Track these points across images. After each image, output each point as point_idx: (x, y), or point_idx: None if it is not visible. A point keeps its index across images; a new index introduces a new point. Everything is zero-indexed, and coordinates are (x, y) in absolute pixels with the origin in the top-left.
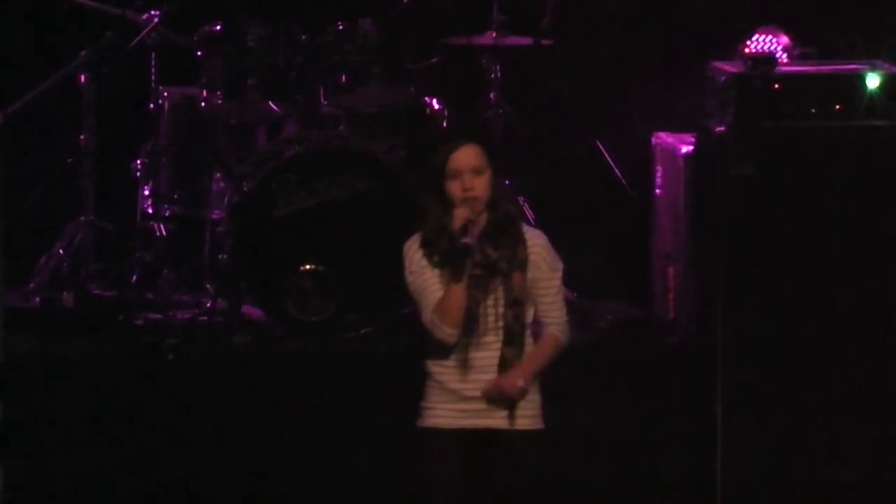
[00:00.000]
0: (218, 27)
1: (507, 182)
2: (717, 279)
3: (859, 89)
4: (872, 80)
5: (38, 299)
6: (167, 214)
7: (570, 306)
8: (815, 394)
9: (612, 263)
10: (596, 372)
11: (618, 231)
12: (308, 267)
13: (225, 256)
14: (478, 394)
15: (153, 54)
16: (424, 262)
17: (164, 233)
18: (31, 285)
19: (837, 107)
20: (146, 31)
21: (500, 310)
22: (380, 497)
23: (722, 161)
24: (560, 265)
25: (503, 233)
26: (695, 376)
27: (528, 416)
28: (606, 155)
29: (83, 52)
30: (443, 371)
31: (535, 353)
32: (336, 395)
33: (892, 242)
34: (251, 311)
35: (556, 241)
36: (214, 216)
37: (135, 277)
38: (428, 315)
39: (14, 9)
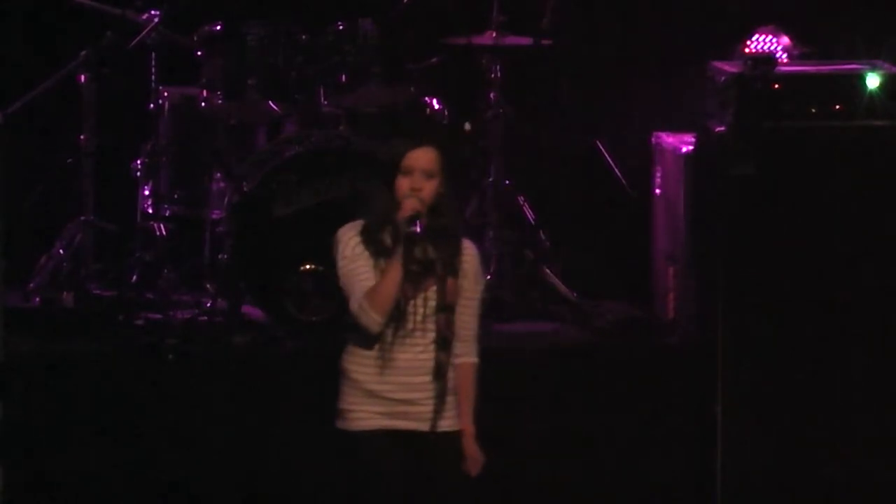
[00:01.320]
0: (218, 27)
1: (501, 181)
2: (717, 279)
3: (859, 89)
4: (872, 80)
5: (38, 299)
6: (167, 214)
7: (571, 306)
8: (815, 394)
9: (612, 263)
10: (596, 372)
11: (618, 231)
12: (308, 267)
13: (225, 256)
14: (397, 395)
15: (153, 54)
16: (360, 249)
17: (164, 233)
18: (31, 285)
19: (837, 107)
20: (146, 31)
21: (428, 310)
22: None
23: (722, 161)
24: (483, 280)
25: (444, 238)
26: (695, 376)
27: (449, 418)
28: (606, 155)
29: (83, 52)
30: (360, 370)
31: (468, 396)
32: (336, 396)
33: (892, 242)
34: (251, 311)
35: (556, 241)
36: (214, 216)
37: (135, 277)
38: (356, 301)
39: (14, 9)
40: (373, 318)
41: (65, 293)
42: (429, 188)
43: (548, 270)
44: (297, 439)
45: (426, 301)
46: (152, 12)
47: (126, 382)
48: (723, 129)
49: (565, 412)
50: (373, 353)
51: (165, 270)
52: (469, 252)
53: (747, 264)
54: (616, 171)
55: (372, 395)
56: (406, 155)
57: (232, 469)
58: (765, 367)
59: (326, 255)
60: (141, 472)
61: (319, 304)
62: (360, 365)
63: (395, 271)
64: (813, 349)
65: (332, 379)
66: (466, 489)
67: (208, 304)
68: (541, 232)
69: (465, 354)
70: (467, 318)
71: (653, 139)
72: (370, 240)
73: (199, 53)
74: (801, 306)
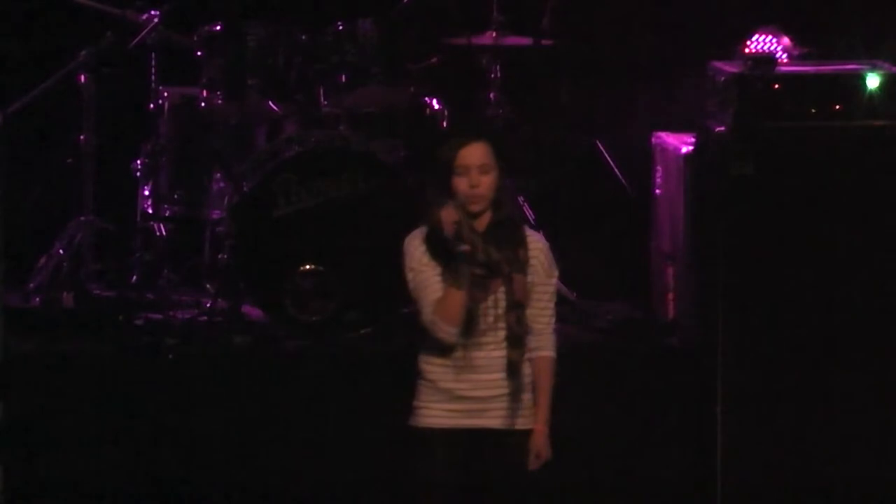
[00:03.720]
0: (218, 27)
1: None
2: (717, 279)
3: (859, 89)
4: (872, 80)
5: (38, 299)
6: (167, 214)
7: (570, 306)
8: (815, 394)
9: (612, 263)
10: (596, 372)
11: (618, 231)
12: (308, 267)
13: (225, 256)
14: (472, 393)
15: (153, 54)
16: (426, 258)
17: (164, 233)
18: (31, 285)
19: (837, 107)
20: (146, 31)
21: (500, 311)
22: (379, 497)
23: (722, 161)
24: (556, 271)
25: (506, 234)
26: (695, 376)
27: (525, 416)
28: (606, 155)
29: (83, 52)
30: (435, 370)
31: (543, 392)
32: (336, 395)
33: (892, 242)
34: (251, 311)
35: (556, 241)
36: (214, 216)
37: (135, 277)
38: (428, 314)
39: (14, 9)
40: (446, 331)
41: (65, 293)
42: (487, 183)
43: None
44: (297, 439)
45: (497, 302)
46: (152, 12)
47: (126, 382)
48: (723, 129)
49: (565, 412)
50: (447, 355)
51: (165, 270)
52: (536, 244)
53: (747, 264)
54: (616, 171)
55: (447, 393)
56: (458, 154)
57: (232, 469)
58: (765, 367)
59: (326, 255)
60: (141, 472)
61: (319, 304)
62: (435, 366)
63: (460, 284)
64: (813, 349)
65: (332, 379)
66: (530, 490)
67: (208, 304)
68: (541, 232)
69: (541, 348)
70: (540, 312)
71: (653, 139)
72: (434, 249)
73: (199, 53)
74: (801, 306)
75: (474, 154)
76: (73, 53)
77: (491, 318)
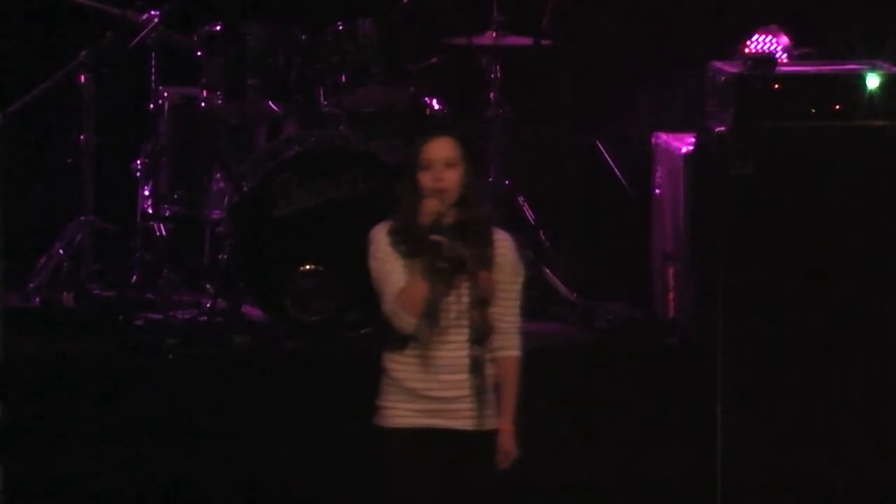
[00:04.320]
0: (218, 27)
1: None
2: (717, 279)
3: (859, 89)
4: (872, 80)
5: (38, 299)
6: (167, 214)
7: (570, 306)
8: (815, 393)
9: (612, 263)
10: (596, 372)
11: (618, 231)
12: (308, 267)
13: (225, 256)
14: (436, 393)
15: (153, 54)
16: (390, 249)
17: (164, 233)
18: (31, 285)
19: (837, 107)
20: (146, 31)
21: (463, 306)
22: (379, 497)
23: (722, 161)
24: (523, 272)
25: (474, 231)
26: (695, 376)
27: (490, 416)
28: (606, 155)
29: (83, 52)
30: (401, 368)
31: (508, 392)
32: (336, 395)
33: (892, 242)
34: (251, 311)
35: (557, 241)
36: (214, 216)
37: (135, 277)
38: (389, 303)
39: (14, 9)
40: (405, 321)
41: (65, 293)
42: (451, 178)
43: (548, 270)
44: (297, 439)
45: (460, 298)
46: (152, 12)
47: (126, 382)
48: (723, 129)
49: (566, 412)
50: (412, 352)
51: (165, 270)
52: (503, 243)
53: (747, 264)
54: (616, 171)
55: (413, 393)
56: (423, 149)
57: (232, 469)
58: (765, 367)
59: (326, 255)
60: (141, 472)
61: (319, 304)
62: (400, 364)
63: (423, 272)
64: (813, 349)
65: (332, 379)
66: (493, 488)
67: (208, 304)
68: (541, 232)
69: (506, 348)
70: (505, 311)
71: (653, 139)
72: (400, 240)
73: (199, 53)
74: (801, 306)
75: (439, 149)
76: (73, 53)
77: (454, 315)
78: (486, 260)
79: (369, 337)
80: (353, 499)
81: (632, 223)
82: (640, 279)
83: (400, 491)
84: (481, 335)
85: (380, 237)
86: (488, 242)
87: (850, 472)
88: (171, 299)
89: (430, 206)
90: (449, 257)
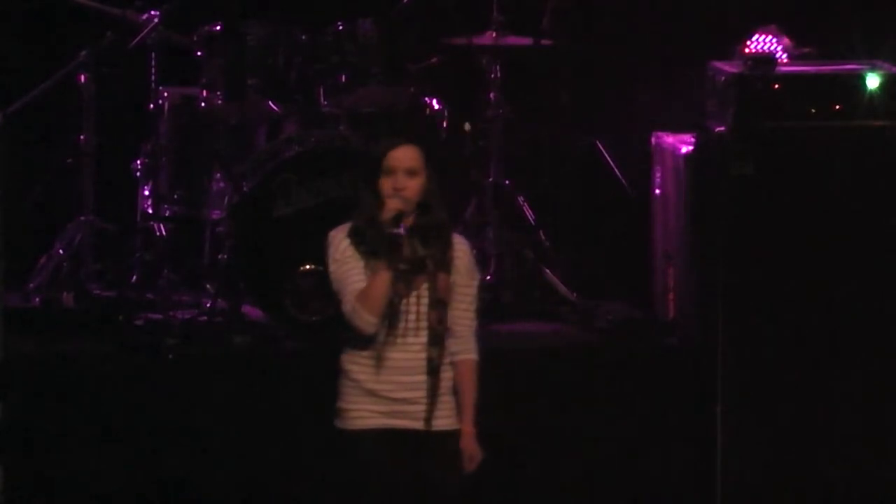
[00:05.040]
0: (218, 27)
1: (501, 182)
2: (717, 279)
3: (859, 89)
4: (872, 80)
5: (38, 299)
6: (167, 214)
7: (571, 306)
8: (815, 393)
9: (612, 263)
10: (596, 372)
11: (618, 231)
12: (308, 267)
13: (225, 256)
14: (394, 394)
15: (153, 54)
16: (350, 251)
17: (164, 233)
18: (31, 285)
19: (837, 107)
20: (146, 31)
21: (423, 308)
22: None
23: (722, 161)
24: (478, 275)
25: (434, 234)
26: (695, 376)
27: (444, 417)
28: (606, 155)
29: (83, 52)
30: (359, 370)
31: (468, 394)
32: (336, 395)
33: (892, 242)
34: (251, 311)
35: (557, 241)
36: (214, 216)
37: (135, 277)
38: (350, 303)
39: (14, 9)
40: (366, 320)
41: (65, 293)
42: (412, 186)
43: (548, 270)
44: (297, 439)
45: (419, 299)
46: (152, 12)
47: (126, 382)
48: (723, 129)
49: (565, 412)
50: (370, 352)
51: (165, 270)
52: (460, 247)
53: (747, 264)
54: (616, 171)
55: (371, 394)
56: (387, 155)
57: (232, 469)
58: (765, 367)
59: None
60: (141, 472)
61: (319, 304)
62: (358, 365)
63: (384, 272)
64: (813, 349)
65: (332, 379)
66: (459, 489)
67: (208, 304)
68: (541, 232)
69: (464, 352)
70: (462, 314)
71: (653, 139)
72: (360, 241)
73: (199, 53)
74: (801, 306)
75: (402, 157)
76: (73, 53)
77: (413, 316)
78: (444, 262)
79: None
80: (352, 499)
81: (632, 223)
82: (640, 279)
83: (370, 492)
84: (437, 337)
85: (339, 239)
86: (447, 246)
87: (850, 472)
88: (171, 299)
89: (393, 205)
90: (408, 258)
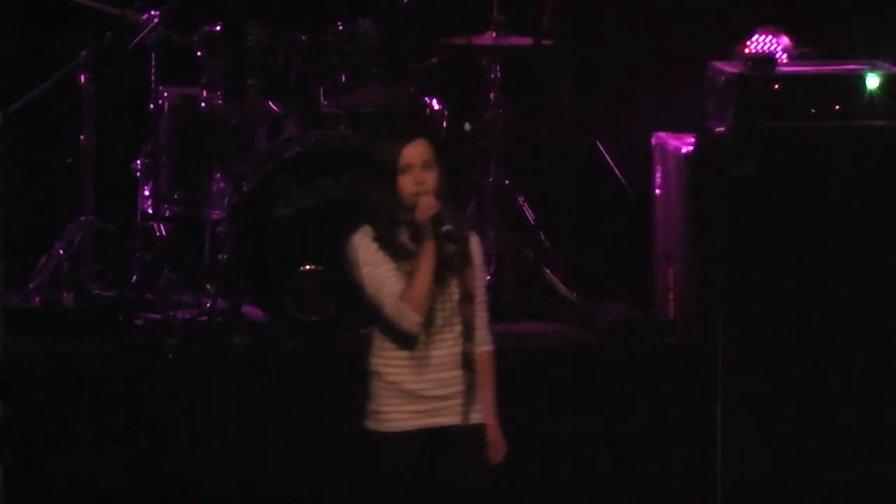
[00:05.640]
0: (218, 27)
1: (501, 182)
2: (717, 279)
3: (859, 89)
4: (872, 80)
5: (38, 299)
6: (167, 214)
7: (570, 306)
8: (815, 394)
9: (612, 263)
10: (596, 372)
11: (618, 231)
12: (308, 267)
13: (225, 256)
14: (433, 392)
15: (153, 54)
16: (380, 254)
17: (164, 233)
18: (31, 285)
19: (837, 107)
20: (146, 31)
21: (454, 304)
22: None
23: (722, 161)
24: (485, 268)
25: (459, 231)
26: (695, 376)
27: (479, 411)
28: (606, 155)
29: (83, 52)
30: (396, 371)
31: (487, 385)
32: (336, 395)
33: (892, 242)
34: (251, 311)
35: (557, 241)
36: (214, 216)
37: (135, 277)
38: (392, 305)
39: (14, 9)
40: (414, 320)
41: (65, 293)
42: (431, 180)
43: (548, 270)
44: (297, 439)
45: (450, 296)
46: (152, 12)
47: (126, 382)
48: (723, 129)
49: (565, 412)
50: (407, 353)
51: (165, 270)
52: (474, 241)
53: (747, 264)
54: (616, 171)
55: (409, 395)
56: (401, 153)
57: (232, 469)
58: (765, 367)
59: (326, 255)
60: (141, 472)
61: (319, 304)
62: (394, 366)
63: (427, 269)
64: (813, 349)
65: (332, 379)
66: (487, 481)
67: (208, 304)
68: (541, 232)
69: (482, 343)
70: (478, 306)
71: (653, 139)
72: (388, 244)
73: (199, 53)
74: (801, 306)
75: (416, 152)
76: (73, 53)
77: (447, 313)
78: (468, 257)
79: (369, 337)
80: (353, 499)
81: (632, 223)
82: (640, 279)
83: (400, 493)
84: (470, 331)
85: (366, 243)
86: (468, 241)
87: (850, 472)
88: (171, 299)
89: (427, 203)
90: (439, 256)
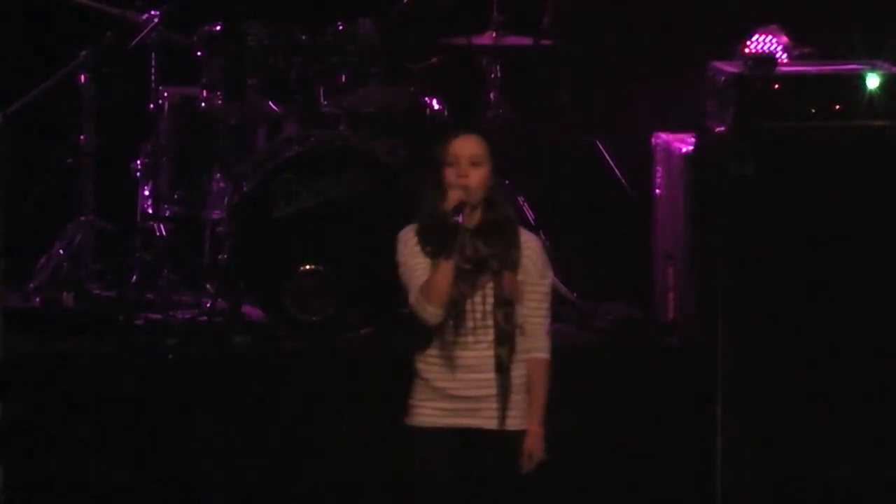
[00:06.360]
0: (218, 27)
1: (506, 182)
2: (717, 279)
3: (859, 89)
4: (872, 80)
5: (38, 299)
6: (167, 214)
7: (571, 306)
8: (815, 394)
9: (612, 263)
10: (596, 372)
11: (618, 231)
12: (308, 267)
13: (225, 256)
14: (463, 392)
15: (153, 54)
16: (417, 248)
17: (164, 233)
18: (31, 285)
19: (837, 107)
20: (146, 31)
21: (488, 308)
22: (379, 497)
23: (722, 161)
24: (550, 273)
25: (498, 232)
26: (695, 376)
27: (517, 417)
28: (606, 155)
29: (83, 52)
30: (429, 368)
31: (536, 394)
32: (336, 395)
33: (892, 242)
34: (251, 311)
35: (557, 241)
36: (214, 216)
37: (135, 277)
38: (414, 295)
39: (14, 9)
40: (429, 311)
41: (65, 293)
42: (476, 176)
43: None
44: (297, 439)
45: (485, 298)
46: (152, 12)
47: (126, 382)
48: (723, 129)
49: (565, 412)
50: (438, 351)
51: (165, 270)
52: (529, 244)
53: (747, 264)
54: (616, 171)
55: (440, 392)
56: (449, 145)
57: (232, 469)
58: (765, 367)
59: (326, 255)
60: (141, 472)
61: (319, 304)
62: (427, 363)
63: (444, 263)
64: (813, 349)
65: (332, 379)
66: (520, 492)
67: (208, 304)
68: (541, 232)
69: (535, 350)
70: (532, 312)
71: (653, 139)
72: (426, 240)
73: (199, 53)
74: (801, 306)
75: (465, 146)
76: (73, 53)
77: (479, 315)
78: (510, 260)
79: (369, 337)
80: (353, 499)
81: (632, 223)
82: (640, 279)
83: (424, 489)
84: (505, 335)
85: (408, 237)
86: (513, 243)
87: (850, 472)
88: (171, 299)
89: (454, 196)
90: (471, 257)
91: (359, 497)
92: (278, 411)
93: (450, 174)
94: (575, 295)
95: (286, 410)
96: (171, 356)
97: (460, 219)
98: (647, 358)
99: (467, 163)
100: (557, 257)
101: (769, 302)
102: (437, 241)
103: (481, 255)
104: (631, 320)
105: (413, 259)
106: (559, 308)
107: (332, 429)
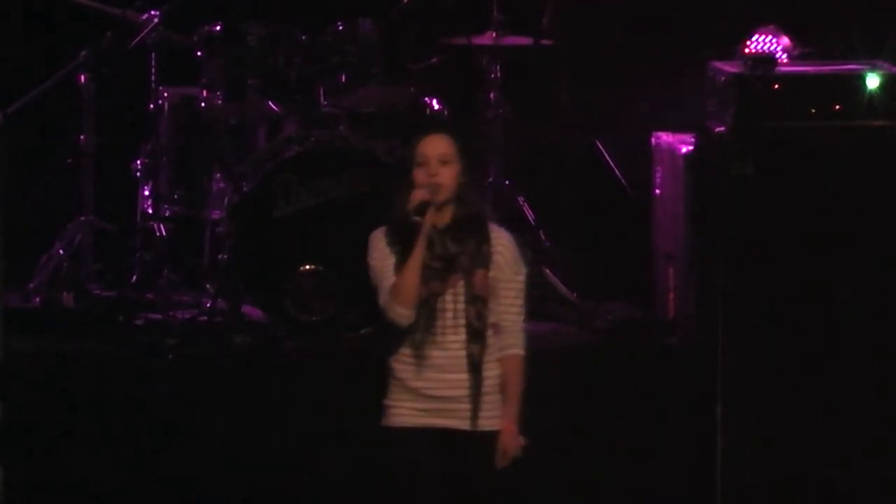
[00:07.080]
0: (218, 27)
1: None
2: (717, 279)
3: (859, 89)
4: (872, 80)
5: (38, 299)
6: (167, 214)
7: (570, 306)
8: (815, 394)
9: (612, 263)
10: (596, 372)
11: (618, 231)
12: (308, 267)
13: (225, 256)
14: (436, 392)
15: (153, 54)
16: (387, 249)
17: (164, 233)
18: (31, 285)
19: (837, 107)
20: (146, 31)
21: (460, 306)
22: (379, 497)
23: (722, 161)
24: (524, 269)
25: (468, 229)
26: (695, 376)
27: (490, 417)
28: (606, 155)
29: (83, 52)
30: (403, 368)
31: (511, 389)
32: (336, 395)
33: (892, 242)
34: (251, 311)
35: (556, 241)
36: (214, 216)
37: (135, 277)
38: (384, 296)
39: (14, 9)
40: (398, 312)
41: (65, 293)
42: (446, 174)
43: (548, 270)
44: (297, 439)
45: (456, 296)
46: (152, 12)
47: (126, 382)
48: (723, 129)
49: (565, 412)
50: (411, 351)
51: (165, 270)
52: (500, 241)
53: (747, 264)
54: (616, 171)
55: (413, 392)
56: (418, 146)
57: (232, 469)
58: (765, 367)
59: (326, 255)
60: (141, 472)
61: (319, 304)
62: (401, 363)
63: (412, 261)
64: (813, 349)
65: (332, 379)
66: (493, 489)
67: (208, 304)
68: (541, 232)
69: (509, 346)
70: (506, 308)
71: (653, 139)
72: (396, 240)
73: (199, 53)
74: (801, 306)
75: (434, 145)
76: (73, 53)
77: (451, 314)
78: (481, 257)
79: (369, 337)
80: (353, 499)
81: (632, 223)
82: (640, 279)
83: (403, 489)
84: (477, 333)
85: (377, 239)
86: (484, 240)
87: (850, 472)
88: (171, 299)
89: (418, 195)
90: (440, 255)
91: (359, 497)
92: (278, 411)
93: (420, 174)
94: (575, 295)
95: (286, 410)
96: (171, 356)
97: (427, 218)
98: (647, 358)
99: (436, 162)
100: (557, 257)
101: (769, 302)
102: (404, 242)
103: (450, 252)
104: (631, 320)
105: (383, 261)
106: (559, 308)
107: (332, 429)
